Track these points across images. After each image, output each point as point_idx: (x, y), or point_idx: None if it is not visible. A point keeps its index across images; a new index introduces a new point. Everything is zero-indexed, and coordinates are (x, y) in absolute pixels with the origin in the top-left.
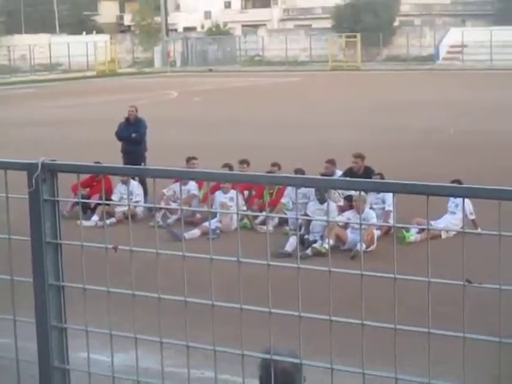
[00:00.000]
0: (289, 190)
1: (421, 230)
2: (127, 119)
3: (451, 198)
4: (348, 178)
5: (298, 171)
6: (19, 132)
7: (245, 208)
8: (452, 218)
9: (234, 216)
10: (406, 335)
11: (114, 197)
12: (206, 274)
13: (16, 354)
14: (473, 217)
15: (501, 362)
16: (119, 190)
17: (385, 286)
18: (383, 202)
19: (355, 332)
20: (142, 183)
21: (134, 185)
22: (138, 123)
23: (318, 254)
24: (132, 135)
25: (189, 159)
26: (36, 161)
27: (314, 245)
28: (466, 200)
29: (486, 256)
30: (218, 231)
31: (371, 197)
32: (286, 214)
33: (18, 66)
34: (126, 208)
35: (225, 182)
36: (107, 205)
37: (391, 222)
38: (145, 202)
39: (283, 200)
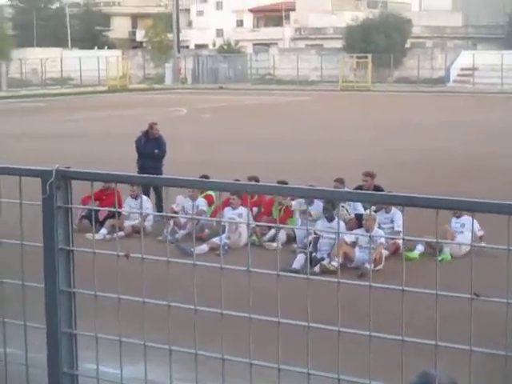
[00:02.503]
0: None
1: (427, 248)
2: (146, 135)
3: (453, 219)
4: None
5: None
6: (31, 145)
7: (253, 225)
8: (460, 237)
9: (243, 233)
10: (414, 354)
11: (123, 211)
12: (215, 288)
13: (26, 360)
14: (481, 233)
15: (508, 376)
16: (129, 204)
17: (393, 304)
18: (392, 221)
19: (364, 346)
20: (159, 199)
21: (144, 199)
22: (159, 139)
23: (325, 271)
24: (155, 151)
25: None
26: (50, 168)
27: (322, 262)
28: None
29: (498, 275)
30: (226, 247)
31: (380, 216)
32: (294, 231)
33: (29, 79)
34: (134, 222)
35: (236, 192)
36: (117, 217)
37: (400, 242)
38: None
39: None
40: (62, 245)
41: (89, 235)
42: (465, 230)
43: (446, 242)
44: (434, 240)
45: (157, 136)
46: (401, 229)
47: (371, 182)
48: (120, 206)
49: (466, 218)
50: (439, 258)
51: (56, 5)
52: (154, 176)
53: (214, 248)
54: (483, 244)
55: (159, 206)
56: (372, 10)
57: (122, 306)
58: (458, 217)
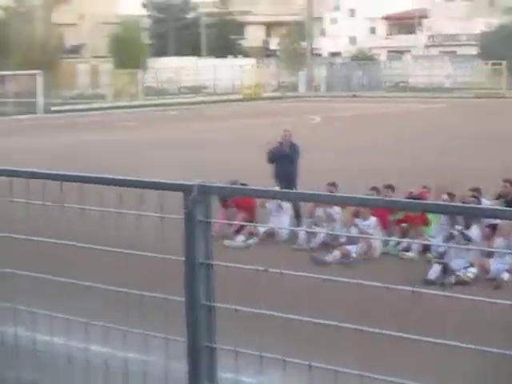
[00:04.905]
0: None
1: None
2: (281, 144)
3: None
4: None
5: (450, 195)
6: (169, 154)
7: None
8: None
9: (377, 243)
10: None
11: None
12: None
13: (166, 372)
14: None
15: None
16: (269, 208)
17: None
18: None
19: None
20: (296, 209)
21: (284, 208)
22: (292, 149)
23: (461, 282)
24: (285, 160)
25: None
26: (192, 183)
27: (457, 273)
28: None
29: None
30: (355, 255)
31: None
32: (429, 240)
33: (164, 88)
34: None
35: (368, 207)
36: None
37: None
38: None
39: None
40: (202, 259)
41: (227, 242)
42: None
43: None
44: None
45: (290, 145)
46: None
47: (510, 188)
48: (254, 211)
49: None
50: None
51: (191, 14)
52: (293, 191)
53: (345, 255)
54: None
55: (297, 216)
56: (507, 16)
57: (254, 315)
58: None
